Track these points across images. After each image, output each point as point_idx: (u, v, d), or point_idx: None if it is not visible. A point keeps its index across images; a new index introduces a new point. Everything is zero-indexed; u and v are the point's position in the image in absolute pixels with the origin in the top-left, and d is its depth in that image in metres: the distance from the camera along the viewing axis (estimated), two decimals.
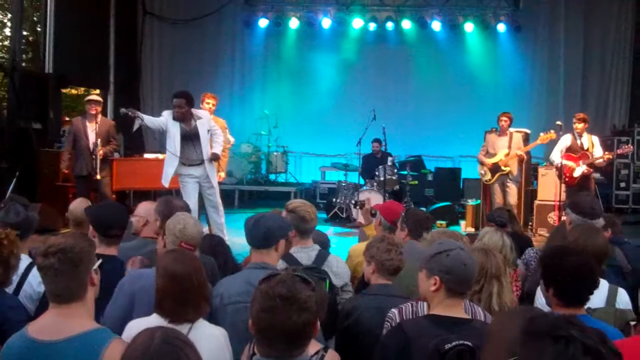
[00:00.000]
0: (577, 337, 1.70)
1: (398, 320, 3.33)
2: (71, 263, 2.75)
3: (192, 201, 7.93)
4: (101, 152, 9.55)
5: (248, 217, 3.99)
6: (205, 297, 3.24)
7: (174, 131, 8.03)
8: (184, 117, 8.03)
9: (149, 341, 2.08)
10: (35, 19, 14.53)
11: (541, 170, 11.84)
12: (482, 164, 10.68)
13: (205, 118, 8.34)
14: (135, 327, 3.16)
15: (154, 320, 3.13)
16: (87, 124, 9.67)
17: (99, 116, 9.77)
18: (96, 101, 9.80)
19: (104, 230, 4.28)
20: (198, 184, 8.29)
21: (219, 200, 8.56)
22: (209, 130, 8.28)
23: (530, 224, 11.58)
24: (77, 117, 10.06)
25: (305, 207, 4.71)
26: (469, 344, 2.74)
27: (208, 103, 9.45)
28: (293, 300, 2.35)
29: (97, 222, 4.38)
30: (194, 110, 8.21)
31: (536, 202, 11.52)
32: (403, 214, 5.26)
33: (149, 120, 8.05)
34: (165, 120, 8.08)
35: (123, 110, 8.02)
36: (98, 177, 9.52)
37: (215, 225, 8.61)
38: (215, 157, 8.32)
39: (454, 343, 2.72)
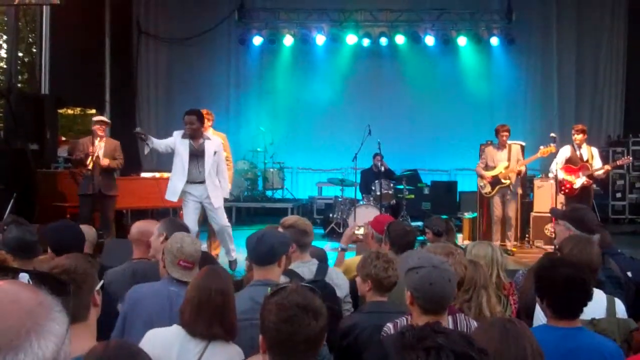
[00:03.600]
0: (445, 345, 1.73)
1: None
2: (75, 284, 2.73)
3: (190, 219, 7.93)
4: (106, 162, 9.44)
5: (249, 235, 4.02)
6: (228, 318, 3.27)
7: (182, 149, 8.08)
8: (194, 135, 8.09)
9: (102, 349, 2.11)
10: (30, 40, 14.55)
11: (537, 182, 11.86)
12: (481, 177, 10.66)
13: (215, 141, 8.37)
14: (154, 335, 3.22)
15: (174, 330, 3.21)
16: (95, 143, 9.57)
17: (105, 137, 9.76)
18: (105, 122, 9.83)
19: (61, 252, 4.25)
20: (200, 204, 8.23)
21: (224, 222, 8.45)
22: (215, 152, 8.25)
23: (527, 236, 11.60)
24: (84, 137, 9.96)
25: (304, 221, 4.79)
26: None
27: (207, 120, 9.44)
28: (309, 308, 2.39)
29: (55, 244, 4.42)
30: (208, 133, 8.38)
31: (532, 214, 11.54)
32: (386, 227, 5.26)
33: (157, 143, 8.11)
34: (174, 140, 8.16)
35: (138, 129, 8.17)
36: (106, 161, 9.48)
37: (224, 247, 8.67)
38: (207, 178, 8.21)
39: None
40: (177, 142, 8.11)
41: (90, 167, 9.36)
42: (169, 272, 4.00)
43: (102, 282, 2.96)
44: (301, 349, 2.38)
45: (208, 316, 3.20)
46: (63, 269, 2.78)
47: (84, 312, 2.81)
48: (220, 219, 8.37)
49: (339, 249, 6.25)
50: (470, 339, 1.81)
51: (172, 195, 8.24)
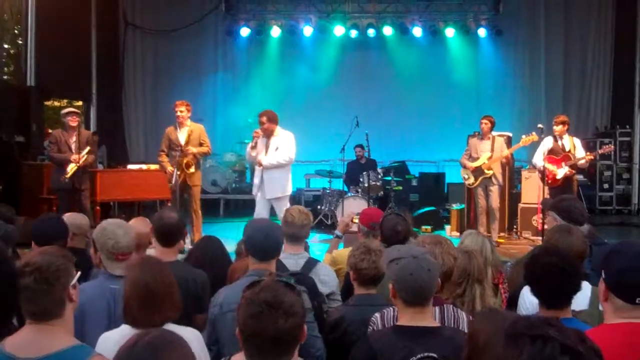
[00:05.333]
0: (555, 336, 1.72)
1: (380, 325, 3.35)
2: (47, 282, 2.71)
3: (258, 208, 8.80)
4: (81, 161, 9.34)
5: (250, 229, 3.98)
6: (171, 301, 3.24)
7: (261, 146, 8.75)
8: (266, 133, 8.73)
9: (133, 343, 2.08)
10: (16, 31, 14.45)
11: (524, 174, 11.88)
12: (465, 167, 10.67)
13: (283, 137, 8.84)
14: (107, 339, 3.19)
15: (125, 330, 3.17)
16: (68, 136, 9.52)
17: (80, 128, 9.66)
18: (75, 112, 9.68)
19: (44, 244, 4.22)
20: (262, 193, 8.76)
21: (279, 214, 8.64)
22: (277, 148, 8.71)
23: (514, 227, 11.63)
24: (57, 130, 9.91)
25: (292, 211, 4.76)
26: (434, 355, 2.76)
27: (181, 111, 9.46)
28: (278, 306, 2.34)
29: (38, 237, 4.45)
30: (280, 130, 8.88)
31: (520, 205, 11.57)
32: (380, 222, 5.22)
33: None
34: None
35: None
36: (85, 159, 9.39)
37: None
38: (258, 163, 8.74)
39: (418, 356, 2.74)
40: (259, 140, 8.74)
41: (70, 173, 9.29)
42: (107, 269, 3.94)
43: (77, 275, 2.89)
44: (268, 346, 2.35)
45: (158, 305, 3.16)
46: (34, 267, 2.71)
47: (58, 308, 2.76)
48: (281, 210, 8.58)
49: (334, 235, 6.27)
50: (584, 336, 1.79)
51: (255, 188, 8.93)
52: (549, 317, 1.85)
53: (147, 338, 2.08)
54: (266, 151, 8.70)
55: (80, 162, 9.33)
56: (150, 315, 3.15)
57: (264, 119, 8.73)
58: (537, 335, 1.75)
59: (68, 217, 5.11)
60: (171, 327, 3.14)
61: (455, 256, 3.98)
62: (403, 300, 3.05)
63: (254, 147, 8.75)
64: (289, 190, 8.99)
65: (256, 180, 8.86)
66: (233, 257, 5.44)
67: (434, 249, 3.68)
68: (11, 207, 6.58)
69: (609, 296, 2.71)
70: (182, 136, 9.41)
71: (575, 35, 16.22)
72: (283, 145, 8.74)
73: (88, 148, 9.53)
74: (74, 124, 9.49)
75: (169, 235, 4.41)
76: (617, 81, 15.92)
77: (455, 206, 12.07)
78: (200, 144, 9.52)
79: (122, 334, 3.11)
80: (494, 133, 10.56)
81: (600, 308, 3.79)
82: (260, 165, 8.68)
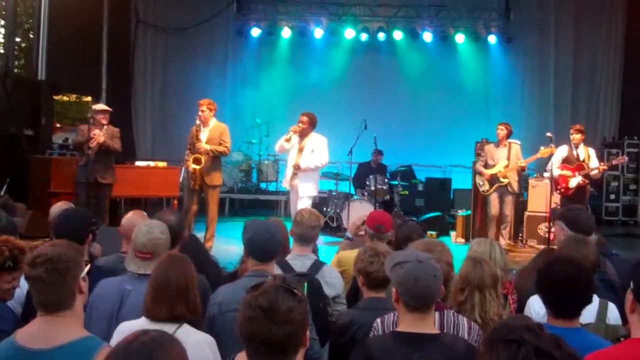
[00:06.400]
0: (530, 340, 1.77)
1: (380, 330, 3.33)
2: (58, 273, 2.76)
3: (291, 207, 9.40)
4: (102, 139, 9.25)
5: (252, 230, 3.98)
6: (185, 299, 3.28)
7: (294, 144, 9.24)
8: (302, 133, 9.18)
9: (130, 341, 2.09)
10: (28, 25, 14.51)
11: (532, 182, 11.86)
12: (480, 174, 10.60)
13: (318, 141, 9.33)
14: (124, 329, 3.22)
15: (142, 322, 3.22)
16: (95, 131, 9.35)
17: (106, 125, 9.57)
18: (107, 111, 9.65)
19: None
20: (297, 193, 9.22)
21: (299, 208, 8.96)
22: (313, 150, 9.20)
23: (520, 235, 11.61)
24: (83, 125, 9.70)
25: (303, 212, 4.81)
26: None
27: (202, 111, 9.39)
28: (273, 312, 2.31)
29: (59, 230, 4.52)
30: (314, 132, 9.37)
31: (526, 213, 11.54)
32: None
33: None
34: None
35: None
36: (102, 138, 9.28)
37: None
38: (295, 166, 9.18)
39: None
40: (293, 138, 9.15)
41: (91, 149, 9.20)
42: (127, 267, 3.96)
43: (87, 268, 2.95)
44: (264, 350, 2.33)
45: (169, 299, 3.22)
46: (46, 258, 2.77)
47: (69, 299, 2.82)
48: (300, 206, 8.91)
49: (345, 238, 6.30)
50: (561, 342, 1.82)
51: (285, 183, 9.54)
52: (530, 323, 1.89)
53: (144, 338, 2.09)
54: (299, 151, 9.19)
55: (102, 138, 9.26)
56: (158, 308, 3.21)
57: (305, 119, 9.22)
58: (512, 340, 1.80)
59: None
60: (186, 328, 3.18)
61: (449, 263, 3.97)
62: (405, 304, 3.01)
63: (288, 140, 9.15)
64: (317, 191, 9.61)
65: (288, 176, 9.34)
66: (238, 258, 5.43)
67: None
68: (10, 197, 6.60)
69: (636, 308, 2.59)
70: (204, 135, 9.39)
71: (585, 44, 16.23)
72: (318, 148, 9.25)
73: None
74: (105, 122, 9.48)
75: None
76: (626, 92, 15.91)
77: (461, 212, 12.04)
78: (220, 144, 9.48)
79: (139, 324, 3.17)
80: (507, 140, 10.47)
81: (608, 322, 3.78)
82: (298, 168, 9.13)
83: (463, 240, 11.40)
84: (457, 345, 2.99)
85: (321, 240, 11.06)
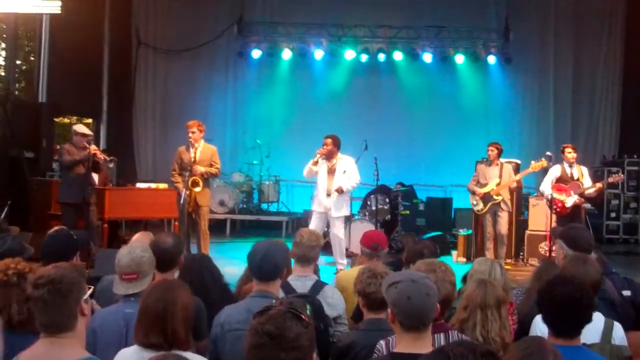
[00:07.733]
0: (445, 349, 1.89)
1: (385, 352, 3.30)
2: (60, 294, 2.77)
3: (314, 225, 9.35)
4: (101, 156, 9.28)
5: (252, 249, 3.99)
6: (169, 327, 3.15)
7: (322, 167, 9.56)
8: (328, 155, 9.51)
9: None
10: (29, 48, 14.59)
11: (532, 201, 11.85)
12: (473, 193, 10.65)
13: (347, 161, 9.68)
14: (122, 356, 3.19)
15: (133, 347, 3.19)
16: (77, 153, 9.29)
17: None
18: (87, 135, 9.47)
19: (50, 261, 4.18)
20: (325, 214, 9.61)
21: (338, 232, 9.73)
22: (345, 171, 9.54)
23: (521, 254, 11.58)
24: (67, 145, 9.56)
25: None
26: None
27: (193, 132, 9.33)
28: (281, 339, 2.32)
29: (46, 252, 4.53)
30: (340, 154, 9.65)
31: (527, 232, 11.52)
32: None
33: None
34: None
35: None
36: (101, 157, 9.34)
37: (334, 254, 9.82)
38: (338, 190, 9.45)
39: None
40: (320, 162, 9.51)
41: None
42: (115, 290, 3.93)
43: (90, 290, 2.95)
44: None
45: (144, 325, 3.15)
46: (48, 279, 2.78)
47: (70, 321, 2.83)
48: (336, 228, 9.68)
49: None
50: (476, 346, 1.90)
51: (317, 206, 9.73)
52: (463, 340, 2.05)
53: None
54: (330, 173, 9.57)
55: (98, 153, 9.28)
56: (147, 335, 3.13)
57: (329, 141, 9.48)
58: (434, 350, 2.00)
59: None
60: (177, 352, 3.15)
61: (452, 282, 3.96)
62: (401, 324, 3.00)
63: (315, 164, 9.47)
64: (349, 212, 10.16)
65: (321, 197, 9.58)
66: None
67: (429, 277, 3.65)
68: (4, 220, 6.60)
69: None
70: (192, 156, 9.39)
71: (585, 64, 16.29)
72: (350, 169, 9.62)
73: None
74: (82, 145, 9.40)
75: (164, 261, 4.32)
76: (626, 111, 15.93)
77: (463, 232, 12.02)
78: (211, 165, 9.49)
79: (130, 350, 3.16)
80: (502, 160, 10.56)
81: (613, 342, 3.76)
82: (341, 191, 9.46)
83: (464, 260, 11.38)
84: None
85: (322, 260, 11.03)
